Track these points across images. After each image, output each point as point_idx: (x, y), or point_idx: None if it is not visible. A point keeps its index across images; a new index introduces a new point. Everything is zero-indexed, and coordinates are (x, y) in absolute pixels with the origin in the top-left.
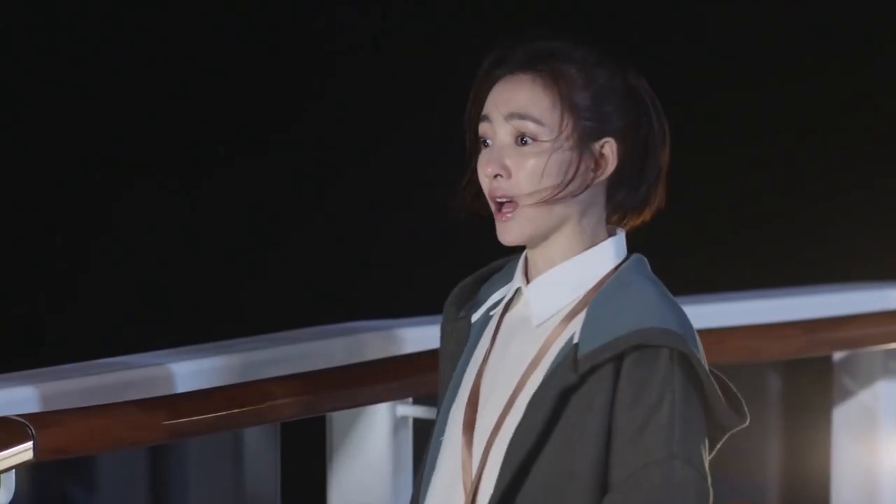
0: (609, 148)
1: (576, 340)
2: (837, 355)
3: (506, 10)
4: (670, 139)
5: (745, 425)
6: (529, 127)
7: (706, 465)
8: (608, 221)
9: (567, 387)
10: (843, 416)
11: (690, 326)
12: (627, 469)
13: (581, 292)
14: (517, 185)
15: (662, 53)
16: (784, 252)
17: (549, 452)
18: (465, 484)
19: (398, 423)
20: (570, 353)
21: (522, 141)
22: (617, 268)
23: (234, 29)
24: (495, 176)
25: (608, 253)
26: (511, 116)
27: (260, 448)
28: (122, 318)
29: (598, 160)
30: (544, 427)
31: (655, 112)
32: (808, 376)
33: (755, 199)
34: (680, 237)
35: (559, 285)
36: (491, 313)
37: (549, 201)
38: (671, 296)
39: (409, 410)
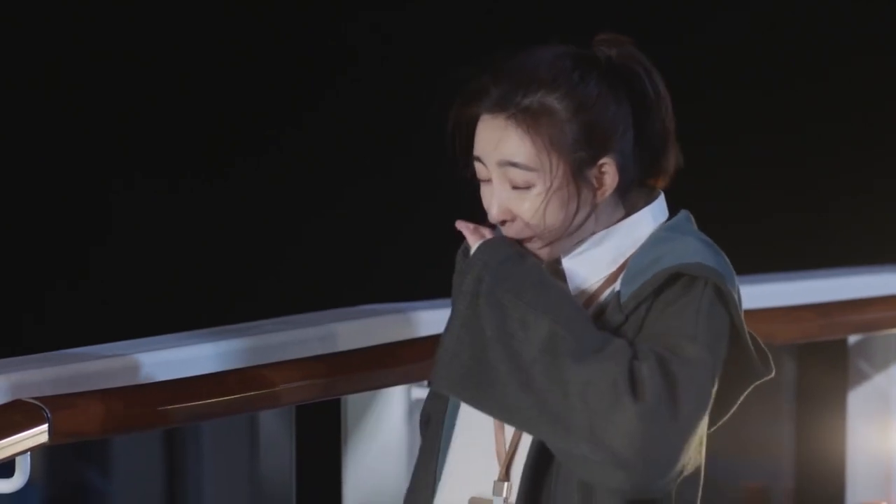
0: (609, 167)
1: (618, 289)
2: (853, 339)
3: (510, 11)
4: (670, 98)
5: (770, 377)
6: (521, 175)
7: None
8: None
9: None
10: (859, 400)
11: (732, 273)
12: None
13: (620, 261)
14: (526, 228)
15: (661, 47)
16: (798, 235)
17: None
18: (498, 453)
19: (413, 406)
20: (614, 299)
21: (518, 186)
22: None
23: (242, 22)
24: (503, 222)
25: (644, 220)
26: (501, 164)
27: (275, 431)
28: (138, 302)
29: (600, 179)
30: None
31: (647, 77)
32: (824, 360)
33: (769, 183)
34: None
35: (596, 263)
36: None
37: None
38: (717, 248)
39: (424, 394)
